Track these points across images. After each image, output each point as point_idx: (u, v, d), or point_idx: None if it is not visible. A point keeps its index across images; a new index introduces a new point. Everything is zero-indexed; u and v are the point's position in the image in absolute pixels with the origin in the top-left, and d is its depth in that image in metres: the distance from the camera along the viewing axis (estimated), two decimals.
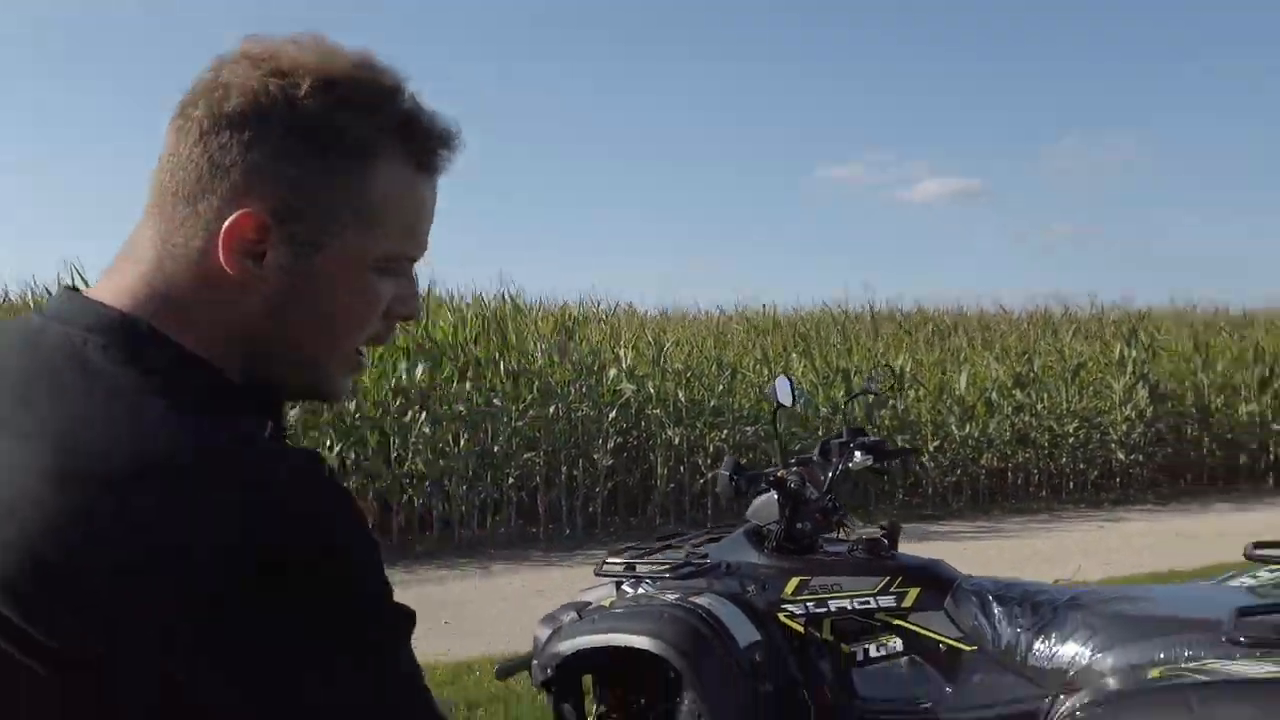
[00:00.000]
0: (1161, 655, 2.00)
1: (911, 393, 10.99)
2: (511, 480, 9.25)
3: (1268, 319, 14.40)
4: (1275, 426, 12.17)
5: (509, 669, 2.79)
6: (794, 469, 2.59)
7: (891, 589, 2.43)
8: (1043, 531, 9.23)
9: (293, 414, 8.42)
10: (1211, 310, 15.28)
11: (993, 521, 9.93)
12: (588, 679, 2.88)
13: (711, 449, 9.84)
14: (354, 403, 8.62)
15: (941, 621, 2.37)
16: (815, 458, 2.92)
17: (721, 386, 10.08)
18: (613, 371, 9.78)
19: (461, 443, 8.97)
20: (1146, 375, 11.76)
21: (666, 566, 2.67)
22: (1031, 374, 11.48)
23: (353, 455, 8.68)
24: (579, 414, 9.47)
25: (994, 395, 11.22)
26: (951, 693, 2.31)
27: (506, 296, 10.88)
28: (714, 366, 10.26)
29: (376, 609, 0.65)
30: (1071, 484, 11.53)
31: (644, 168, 33.66)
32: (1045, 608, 2.27)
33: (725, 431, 9.91)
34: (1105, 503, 11.03)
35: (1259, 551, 2.36)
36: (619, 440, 9.79)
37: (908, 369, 11.17)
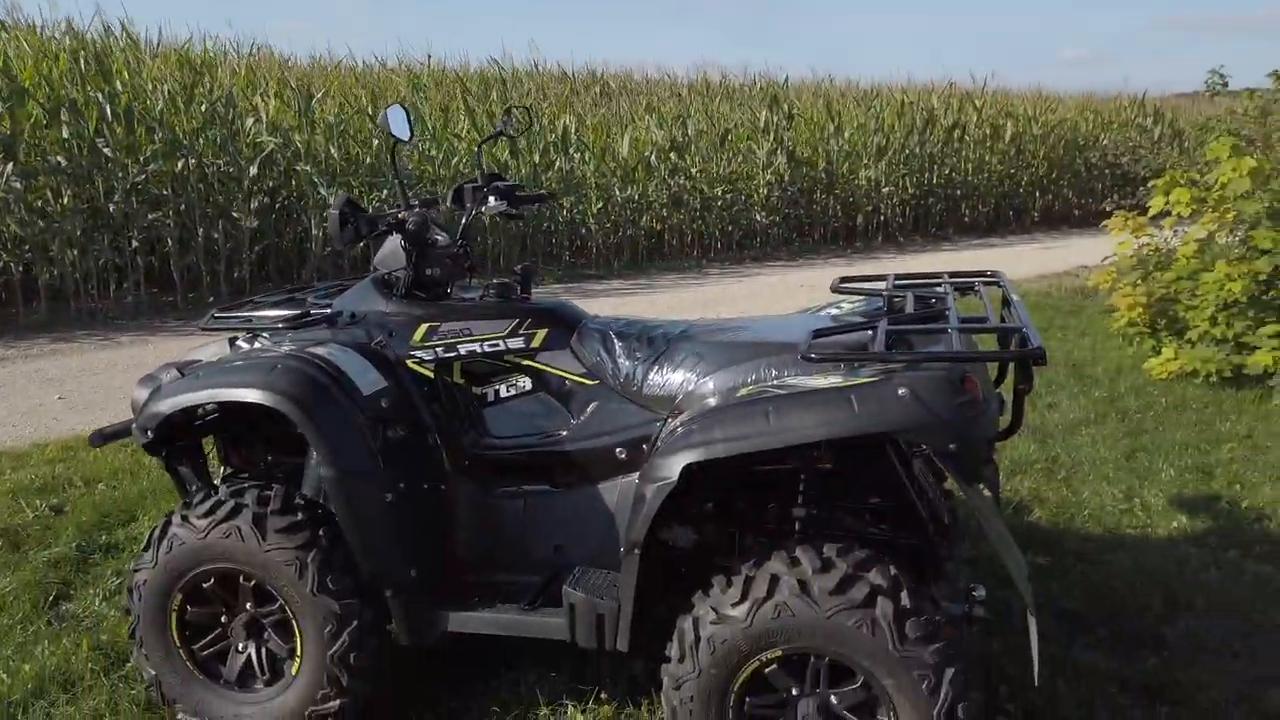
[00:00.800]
0: (753, 376, 2.18)
1: (577, 155, 11.03)
2: (135, 244, 8.25)
3: (889, 93, 15.85)
4: (885, 189, 13.74)
5: (105, 435, 2.51)
6: (417, 211, 2.43)
7: (520, 331, 2.42)
8: (693, 286, 9.91)
9: None
10: (844, 83, 16.50)
11: (649, 279, 10.48)
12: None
13: (370, 209, 9.33)
14: None
15: (567, 359, 2.41)
16: (448, 204, 2.78)
17: (378, 143, 9.46)
18: (250, 121, 8.79)
19: (65, 200, 7.77)
20: (785, 142, 12.64)
21: (283, 317, 2.47)
22: (686, 138, 11.90)
23: None
24: (213, 169, 8.51)
25: (653, 159, 11.55)
26: (576, 424, 2.39)
27: (110, 28, 9.25)
28: (369, 122, 9.55)
29: None
30: (719, 244, 12.40)
31: None
32: (659, 341, 2.37)
33: (385, 192, 9.41)
34: (747, 260, 12.02)
35: (843, 285, 2.62)
36: (265, 200, 8.98)
37: (573, 130, 11.13)
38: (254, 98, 9.11)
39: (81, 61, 8.07)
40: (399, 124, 2.47)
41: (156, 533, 2.30)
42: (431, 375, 2.42)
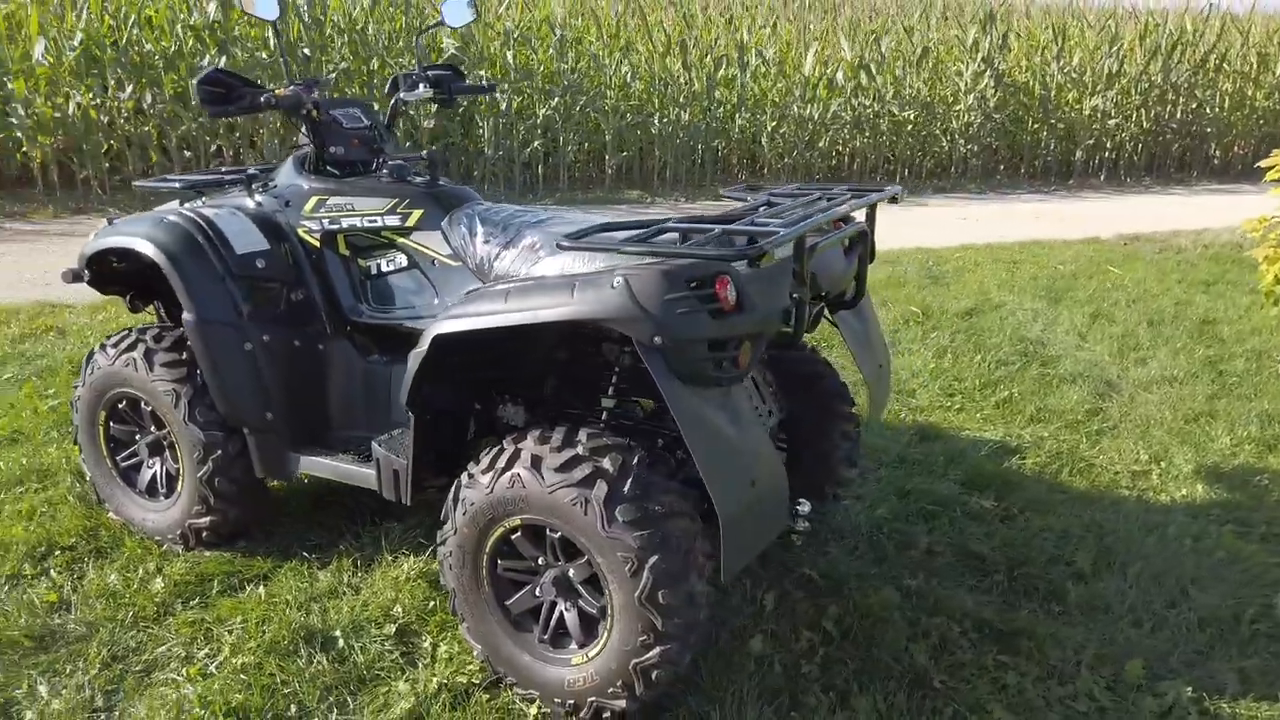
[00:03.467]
0: (575, 265, 2.21)
1: (759, 67, 10.83)
2: None
3: (1133, 11, 14.16)
4: (1113, 121, 12.43)
5: (72, 274, 2.94)
6: (292, 88, 2.63)
7: (397, 210, 2.59)
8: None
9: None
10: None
11: None
12: None
13: (542, 116, 9.73)
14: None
15: (437, 240, 2.57)
16: (385, 91, 2.98)
17: (552, 51, 9.78)
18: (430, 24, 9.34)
19: None
20: (995, 64, 11.70)
21: (200, 180, 2.80)
22: (880, 56, 11.32)
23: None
24: (395, 68, 9.17)
25: (839, 76, 11.12)
26: (438, 302, 2.56)
27: None
28: (540, 28, 9.85)
29: None
30: (906, 171, 11.81)
31: None
32: (513, 228, 2.47)
33: (556, 99, 9.75)
34: (929, 189, 11.38)
35: (724, 191, 2.59)
36: None
37: (751, 41, 10.92)
38: (429, 5, 9.66)
39: None
40: (265, 5, 2.64)
41: (85, 357, 2.74)
42: (318, 245, 2.66)
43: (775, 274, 2.09)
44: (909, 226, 8.37)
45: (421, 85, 2.94)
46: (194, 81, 2.45)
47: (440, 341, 2.10)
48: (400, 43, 9.23)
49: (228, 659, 2.23)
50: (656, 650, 2.00)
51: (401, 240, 2.61)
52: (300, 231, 2.67)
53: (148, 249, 2.48)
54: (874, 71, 11.25)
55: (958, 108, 11.75)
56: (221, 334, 2.50)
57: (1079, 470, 3.47)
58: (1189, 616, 2.60)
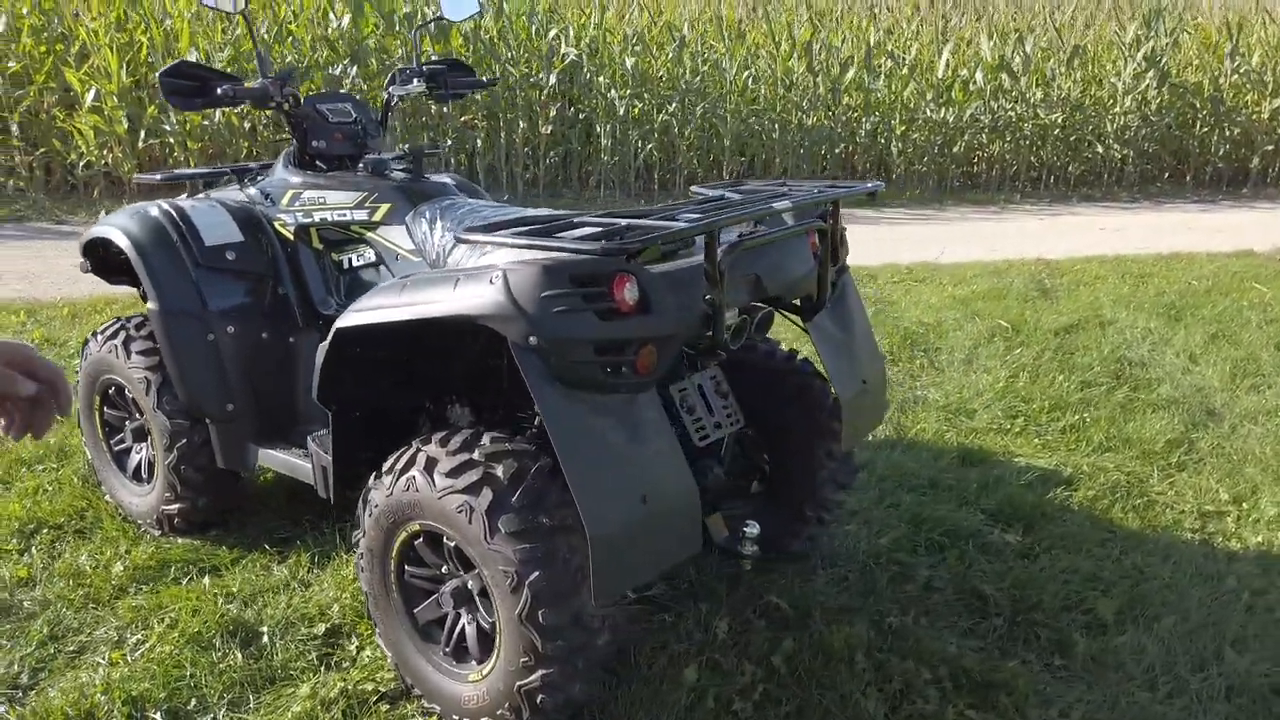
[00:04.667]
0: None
1: (890, 68, 10.39)
2: (450, 142, 9.36)
3: None
4: None
5: (82, 266, 3.05)
6: (260, 81, 2.63)
7: (365, 204, 2.56)
8: (976, 220, 9.02)
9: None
10: None
11: (938, 209, 9.70)
12: None
13: (659, 121, 9.68)
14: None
15: (401, 235, 2.51)
16: (385, 87, 2.98)
17: (670, 55, 9.71)
18: (553, 33, 9.46)
19: None
20: (1159, 61, 10.77)
21: (197, 174, 2.86)
22: (1022, 56, 10.63)
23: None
24: (517, 78, 9.33)
25: (978, 77, 10.52)
26: None
27: None
28: (664, 32, 9.79)
29: None
30: (1052, 179, 11.05)
31: None
32: (468, 222, 2.39)
33: (674, 105, 9.68)
34: (1076, 198, 10.59)
35: (694, 188, 2.41)
36: (562, 107, 9.68)
37: (883, 44, 10.49)
38: (554, 11, 9.77)
39: None
40: None
41: (82, 344, 2.85)
42: (292, 238, 2.67)
43: (688, 275, 1.91)
44: (1030, 237, 7.80)
45: (415, 80, 2.91)
46: (158, 74, 2.49)
47: (341, 335, 2.04)
48: (524, 53, 9.39)
49: (151, 647, 2.24)
50: (539, 673, 1.87)
51: (370, 235, 2.58)
52: (276, 224, 2.68)
53: (120, 238, 2.55)
54: (1017, 72, 10.57)
55: (1114, 110, 10.89)
56: (184, 324, 2.53)
57: (1136, 507, 3.07)
58: (1216, 684, 2.22)
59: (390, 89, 2.92)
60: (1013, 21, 11.68)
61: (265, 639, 2.28)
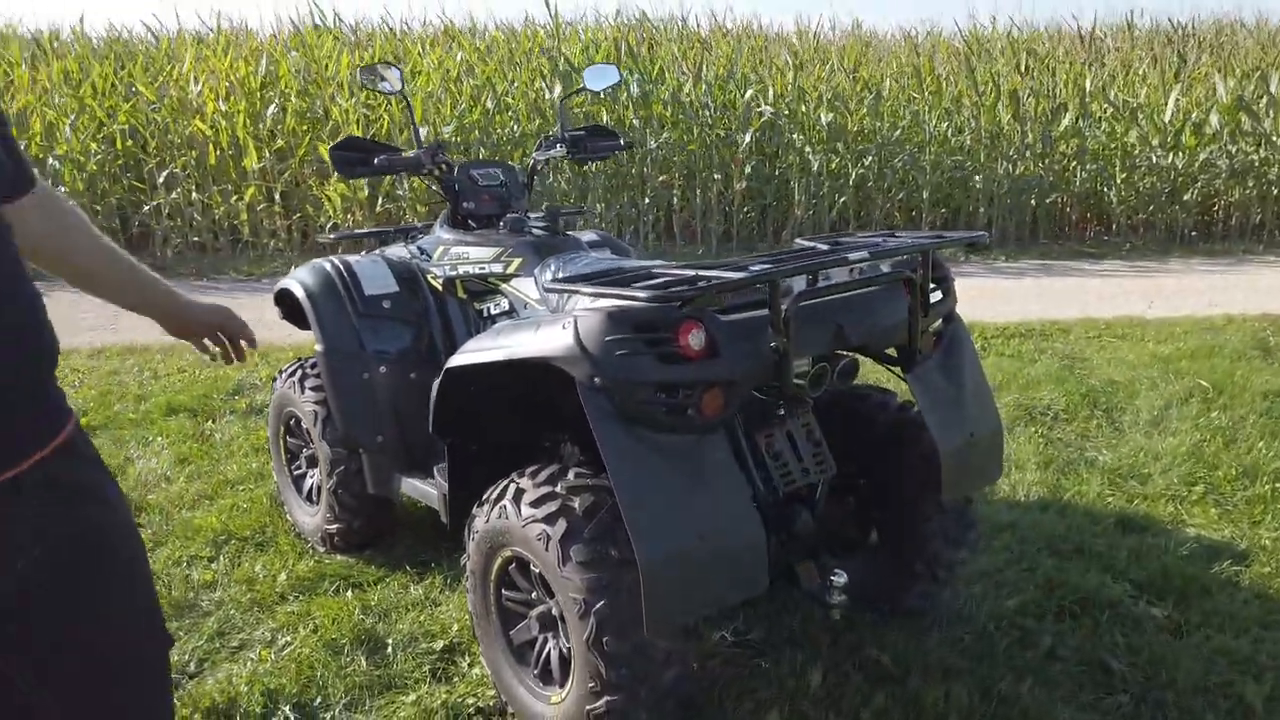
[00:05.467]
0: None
1: (1107, 112, 9.81)
2: (647, 200, 9.75)
3: None
4: None
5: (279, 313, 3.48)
6: (414, 153, 2.92)
7: (502, 258, 2.80)
8: (1199, 273, 8.28)
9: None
10: None
11: (1157, 260, 8.98)
12: None
13: (855, 176, 9.65)
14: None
15: (530, 286, 2.72)
16: (532, 153, 3.25)
17: (864, 110, 9.68)
18: (750, 92, 9.69)
19: (598, 163, 9.54)
20: None
21: (374, 233, 3.23)
22: (1266, 94, 9.71)
23: None
24: (713, 137, 9.61)
25: (1213, 119, 9.71)
26: None
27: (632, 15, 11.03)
28: (858, 88, 9.78)
29: None
30: None
31: None
32: (588, 272, 2.57)
33: (870, 159, 9.62)
34: None
35: (798, 240, 2.47)
36: (759, 163, 9.86)
37: (1099, 87, 9.92)
38: (757, 69, 10.00)
39: (622, 49, 9.78)
40: (392, 73, 2.97)
41: (271, 381, 3.26)
42: (441, 289, 2.95)
43: (759, 322, 1.98)
44: (1261, 292, 7.08)
45: (557, 145, 3.16)
46: (329, 147, 2.86)
47: (452, 373, 2.25)
48: (723, 114, 9.69)
49: (294, 649, 2.53)
50: (604, 700, 1.96)
51: (504, 286, 2.82)
52: (429, 277, 2.98)
53: (297, 289, 2.92)
54: (1261, 113, 9.68)
55: None
56: (344, 364, 2.86)
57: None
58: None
59: (535, 154, 3.18)
60: (1258, 59, 10.72)
61: (389, 649, 2.51)
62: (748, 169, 9.71)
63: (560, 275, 2.61)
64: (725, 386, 1.93)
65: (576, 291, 1.96)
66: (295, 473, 3.28)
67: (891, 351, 2.27)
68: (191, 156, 9.92)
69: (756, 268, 1.93)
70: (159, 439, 4.17)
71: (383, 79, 2.98)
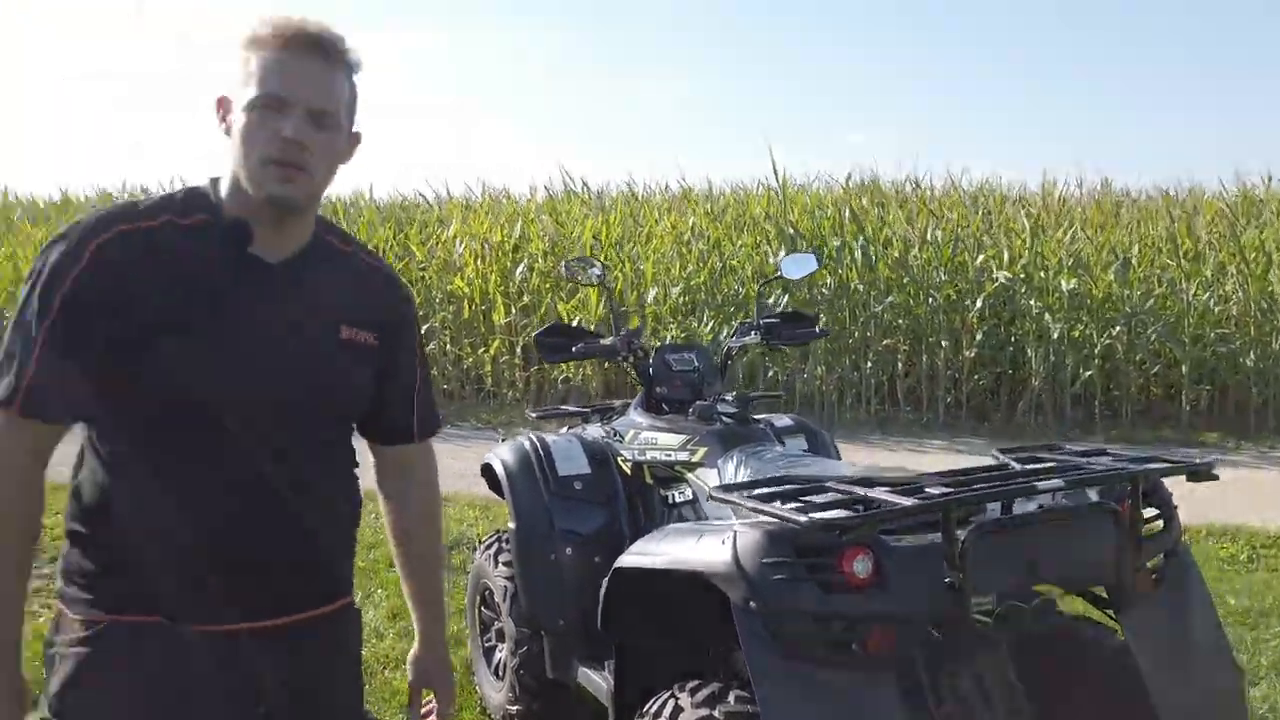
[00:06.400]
0: None
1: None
2: (870, 365, 9.57)
3: None
4: None
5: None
6: (610, 340, 3.02)
7: (687, 446, 2.81)
8: None
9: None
10: None
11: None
12: None
13: (1100, 346, 9.02)
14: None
15: (713, 476, 2.70)
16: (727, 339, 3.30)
17: (1111, 277, 9.10)
18: (980, 257, 9.43)
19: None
20: None
21: (577, 412, 3.36)
22: None
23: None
24: (941, 301, 9.38)
25: None
26: None
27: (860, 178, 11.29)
28: (1102, 253, 9.26)
29: None
30: None
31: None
32: (769, 468, 2.52)
33: (1118, 329, 8.99)
34: None
35: (995, 450, 2.31)
36: (990, 329, 9.47)
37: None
38: (985, 235, 9.76)
39: (845, 213, 9.92)
40: (592, 270, 3.12)
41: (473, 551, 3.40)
42: (630, 473, 3.00)
43: (936, 549, 1.84)
44: None
45: (752, 333, 3.18)
46: (534, 335, 3.04)
47: (620, 573, 2.25)
48: (952, 278, 9.47)
49: None
50: None
51: (689, 474, 2.82)
52: (620, 459, 3.04)
53: (497, 466, 3.07)
54: None
55: None
56: (533, 543, 2.93)
57: None
58: None
59: (730, 340, 3.21)
60: None
61: None
62: (979, 335, 9.35)
63: (740, 470, 2.58)
64: (896, 621, 1.80)
65: (734, 503, 1.92)
66: (486, 644, 3.36)
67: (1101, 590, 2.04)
68: (450, 311, 10.91)
69: (934, 490, 1.82)
70: (379, 591, 4.42)
71: (586, 270, 3.17)
